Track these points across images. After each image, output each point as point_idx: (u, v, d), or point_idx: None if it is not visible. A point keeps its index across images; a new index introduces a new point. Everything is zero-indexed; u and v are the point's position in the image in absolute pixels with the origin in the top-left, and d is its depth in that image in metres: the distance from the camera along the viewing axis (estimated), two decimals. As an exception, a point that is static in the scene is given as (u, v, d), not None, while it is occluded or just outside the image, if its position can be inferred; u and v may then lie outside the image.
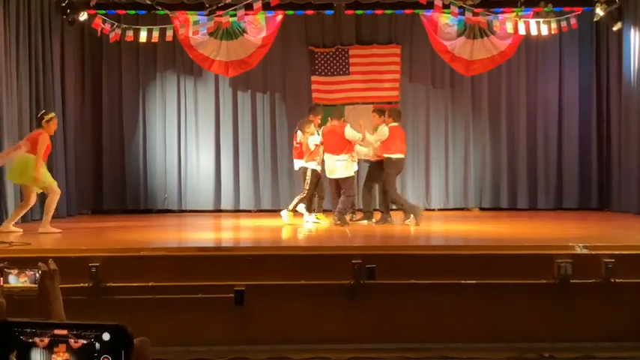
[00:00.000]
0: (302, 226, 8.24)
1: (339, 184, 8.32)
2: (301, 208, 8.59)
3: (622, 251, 5.65)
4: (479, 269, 5.57)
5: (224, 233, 8.14)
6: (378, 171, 8.43)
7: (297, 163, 8.66)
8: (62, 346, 1.17)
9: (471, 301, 5.47)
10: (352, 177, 8.37)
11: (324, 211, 8.86)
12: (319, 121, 8.73)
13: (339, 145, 8.17)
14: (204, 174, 10.93)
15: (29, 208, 7.46)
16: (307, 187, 8.43)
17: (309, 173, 8.43)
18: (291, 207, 8.48)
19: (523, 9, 9.82)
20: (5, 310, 1.96)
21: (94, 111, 10.86)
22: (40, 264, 1.94)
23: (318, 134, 8.49)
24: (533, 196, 10.86)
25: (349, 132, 8.21)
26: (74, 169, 10.18)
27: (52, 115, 7.48)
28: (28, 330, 1.18)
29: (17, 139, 8.49)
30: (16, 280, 2.20)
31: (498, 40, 10.19)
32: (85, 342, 1.16)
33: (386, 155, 8.24)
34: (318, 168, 8.47)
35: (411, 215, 8.12)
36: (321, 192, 8.74)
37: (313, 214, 8.65)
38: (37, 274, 2.03)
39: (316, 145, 8.35)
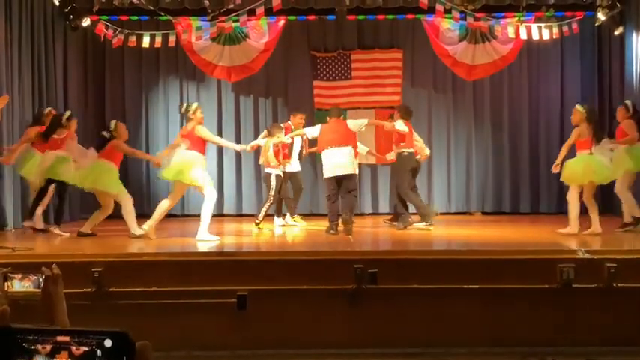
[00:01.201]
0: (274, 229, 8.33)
1: (341, 182, 7.77)
2: (280, 221, 8.72)
3: (624, 256, 5.66)
4: (481, 273, 5.57)
5: (226, 238, 8.12)
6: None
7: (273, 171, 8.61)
8: (64, 353, 1.18)
9: (474, 306, 5.47)
10: (356, 175, 8.12)
11: (306, 215, 8.96)
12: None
13: (342, 138, 7.78)
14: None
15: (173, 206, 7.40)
16: (272, 194, 8.34)
17: (273, 179, 8.35)
18: (260, 217, 8.43)
19: (525, 14, 9.82)
20: (9, 317, 1.97)
21: (97, 116, 10.88)
22: (43, 269, 1.95)
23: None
24: (536, 200, 10.85)
25: (352, 123, 8.09)
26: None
27: (196, 104, 7.35)
28: (31, 337, 1.19)
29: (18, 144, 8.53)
30: (20, 285, 2.22)
31: (500, 45, 10.20)
32: (86, 349, 1.17)
33: (398, 151, 8.26)
34: (281, 173, 8.45)
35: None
36: (287, 195, 8.71)
37: (281, 219, 8.72)
38: (41, 279, 2.04)
39: (275, 146, 8.28)
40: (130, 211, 7.49)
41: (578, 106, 7.51)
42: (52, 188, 7.89)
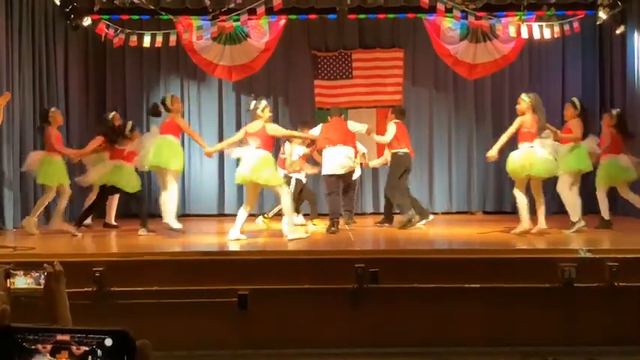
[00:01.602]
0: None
1: (344, 179, 8.05)
2: (300, 219, 8.74)
3: (626, 255, 5.65)
4: (482, 273, 5.56)
5: (228, 237, 8.13)
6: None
7: (281, 173, 8.73)
8: (64, 353, 1.17)
9: (475, 305, 5.47)
10: (352, 174, 8.35)
11: (319, 215, 9.04)
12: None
13: (342, 137, 7.90)
14: (207, 178, 10.94)
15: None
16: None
17: (293, 182, 8.51)
18: (270, 214, 8.55)
19: (526, 12, 9.80)
20: (10, 316, 1.97)
21: (98, 115, 10.87)
22: (45, 265, 1.95)
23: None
24: (537, 199, 10.83)
25: (352, 125, 8.19)
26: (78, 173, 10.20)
27: (265, 102, 7.26)
28: (31, 337, 1.19)
29: (19, 144, 8.54)
30: (22, 282, 2.22)
31: (501, 44, 10.18)
32: (87, 348, 1.16)
33: (393, 151, 8.32)
34: (303, 179, 8.64)
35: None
36: (312, 197, 8.84)
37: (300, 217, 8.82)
38: (43, 276, 2.04)
39: (299, 156, 8.41)
40: (171, 199, 7.38)
41: (523, 96, 7.23)
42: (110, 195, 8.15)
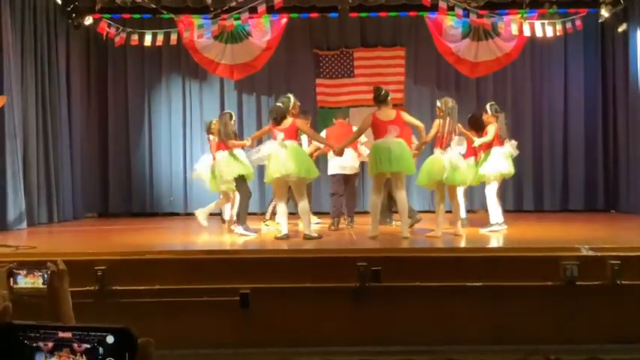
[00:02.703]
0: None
1: (347, 180, 8.34)
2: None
3: (628, 253, 5.63)
4: (484, 271, 5.56)
5: (229, 236, 8.13)
6: None
7: None
8: (66, 351, 1.17)
9: (477, 303, 5.46)
10: (358, 173, 8.60)
11: (319, 213, 9.16)
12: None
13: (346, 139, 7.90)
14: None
15: None
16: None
17: None
18: (268, 216, 8.67)
19: (528, 10, 9.81)
20: (12, 314, 1.97)
21: (99, 114, 10.92)
22: (48, 264, 1.95)
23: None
24: (539, 197, 10.83)
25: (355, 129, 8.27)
26: (80, 173, 10.23)
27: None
28: (32, 334, 1.19)
29: (21, 143, 8.55)
30: (25, 281, 2.22)
31: (503, 42, 10.17)
32: (88, 346, 1.16)
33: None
34: None
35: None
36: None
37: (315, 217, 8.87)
38: (46, 275, 2.04)
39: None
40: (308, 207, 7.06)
41: (437, 102, 7.33)
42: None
